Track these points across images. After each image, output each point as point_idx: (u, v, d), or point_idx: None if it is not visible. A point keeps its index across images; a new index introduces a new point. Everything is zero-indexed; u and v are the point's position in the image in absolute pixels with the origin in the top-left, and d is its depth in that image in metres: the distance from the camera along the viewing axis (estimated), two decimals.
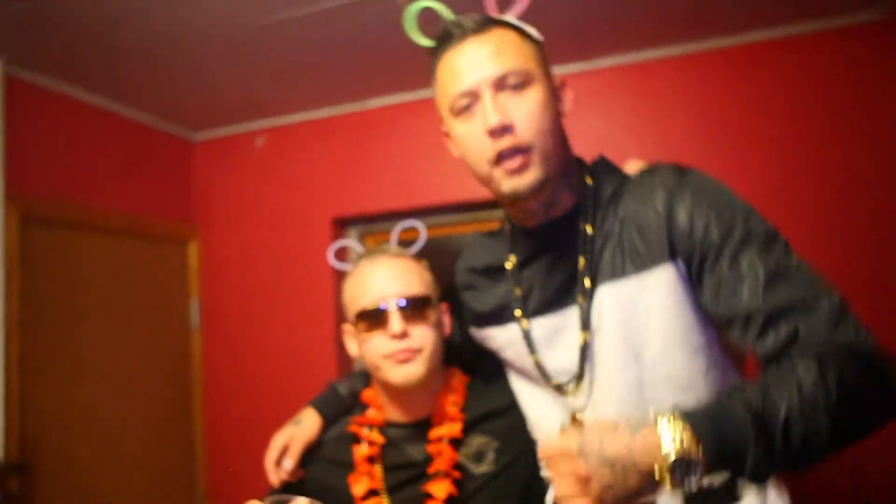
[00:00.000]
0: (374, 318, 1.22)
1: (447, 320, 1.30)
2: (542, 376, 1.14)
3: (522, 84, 1.01)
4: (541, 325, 1.14)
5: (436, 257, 1.38)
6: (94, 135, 2.58)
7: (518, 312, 1.17)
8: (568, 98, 1.10)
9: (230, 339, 2.97)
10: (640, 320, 1.02)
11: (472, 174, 1.08)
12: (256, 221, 2.99)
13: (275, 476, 1.31)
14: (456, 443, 1.26)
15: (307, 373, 2.79)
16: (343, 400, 1.40)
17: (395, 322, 1.19)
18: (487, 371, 1.33)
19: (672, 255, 1.00)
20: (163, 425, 2.77)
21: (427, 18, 1.07)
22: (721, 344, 1.06)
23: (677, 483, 0.75)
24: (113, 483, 2.45)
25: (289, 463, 1.30)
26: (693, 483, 0.75)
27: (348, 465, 1.30)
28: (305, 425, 1.35)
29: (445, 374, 1.32)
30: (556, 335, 1.12)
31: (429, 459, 1.25)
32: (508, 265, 1.20)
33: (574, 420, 1.11)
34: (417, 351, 1.21)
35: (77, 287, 2.41)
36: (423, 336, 1.21)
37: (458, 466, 1.24)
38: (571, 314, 1.09)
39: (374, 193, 2.85)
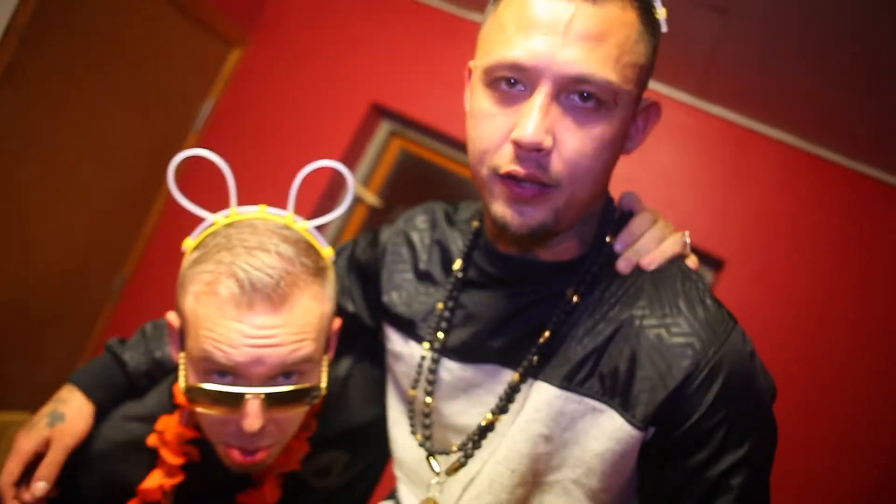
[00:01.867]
0: (222, 398, 0.80)
1: (334, 340, 0.94)
2: (421, 426, 0.90)
3: (596, 106, 0.70)
4: (453, 371, 0.88)
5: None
6: None
7: (427, 344, 0.89)
8: (645, 133, 0.80)
9: (221, 154, 2.88)
10: (563, 445, 0.79)
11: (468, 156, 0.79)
12: (305, 66, 2.85)
13: (14, 502, 0.87)
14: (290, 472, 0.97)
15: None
16: (131, 377, 0.97)
17: (254, 418, 0.79)
18: (361, 361, 1.04)
19: (649, 424, 0.75)
20: (122, 198, 2.71)
21: None
22: None
23: None
24: (48, 220, 2.42)
25: (40, 487, 0.86)
26: None
27: (132, 486, 0.91)
28: (72, 423, 0.90)
29: None
30: (465, 391, 0.87)
31: (251, 484, 0.94)
32: (454, 266, 0.91)
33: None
34: (270, 447, 0.85)
35: (104, 35, 2.27)
36: (285, 428, 0.85)
37: (297, 482, 0.97)
38: (498, 381, 0.84)
39: (423, 101, 2.71)
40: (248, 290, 0.77)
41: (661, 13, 0.75)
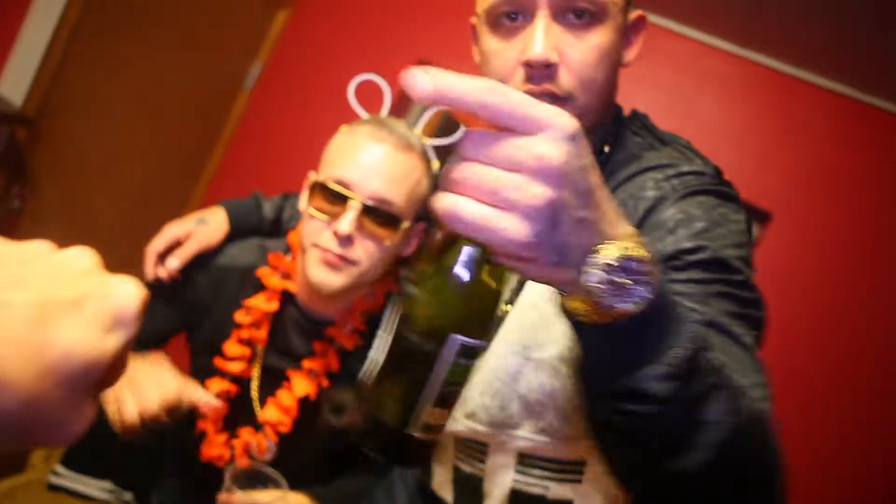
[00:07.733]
0: (329, 199, 1.00)
1: (416, 241, 1.12)
2: None
3: (591, 20, 0.78)
4: None
5: None
6: None
7: None
8: (637, 45, 0.87)
9: (272, 116, 2.97)
10: (549, 318, 0.84)
11: None
12: (351, 24, 2.90)
13: (153, 269, 1.11)
14: (344, 352, 1.13)
15: None
16: (263, 219, 1.20)
17: (346, 221, 0.98)
18: None
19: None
20: (174, 159, 2.82)
21: None
22: None
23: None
24: (107, 177, 2.54)
25: (174, 263, 1.10)
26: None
27: (236, 303, 1.11)
28: (211, 229, 1.13)
29: (375, 284, 1.13)
30: None
31: (309, 353, 1.12)
32: None
33: None
34: (351, 263, 1.02)
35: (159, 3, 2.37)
36: (366, 253, 1.02)
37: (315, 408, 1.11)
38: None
39: (468, 58, 2.72)
40: (386, 129, 1.04)
41: None
